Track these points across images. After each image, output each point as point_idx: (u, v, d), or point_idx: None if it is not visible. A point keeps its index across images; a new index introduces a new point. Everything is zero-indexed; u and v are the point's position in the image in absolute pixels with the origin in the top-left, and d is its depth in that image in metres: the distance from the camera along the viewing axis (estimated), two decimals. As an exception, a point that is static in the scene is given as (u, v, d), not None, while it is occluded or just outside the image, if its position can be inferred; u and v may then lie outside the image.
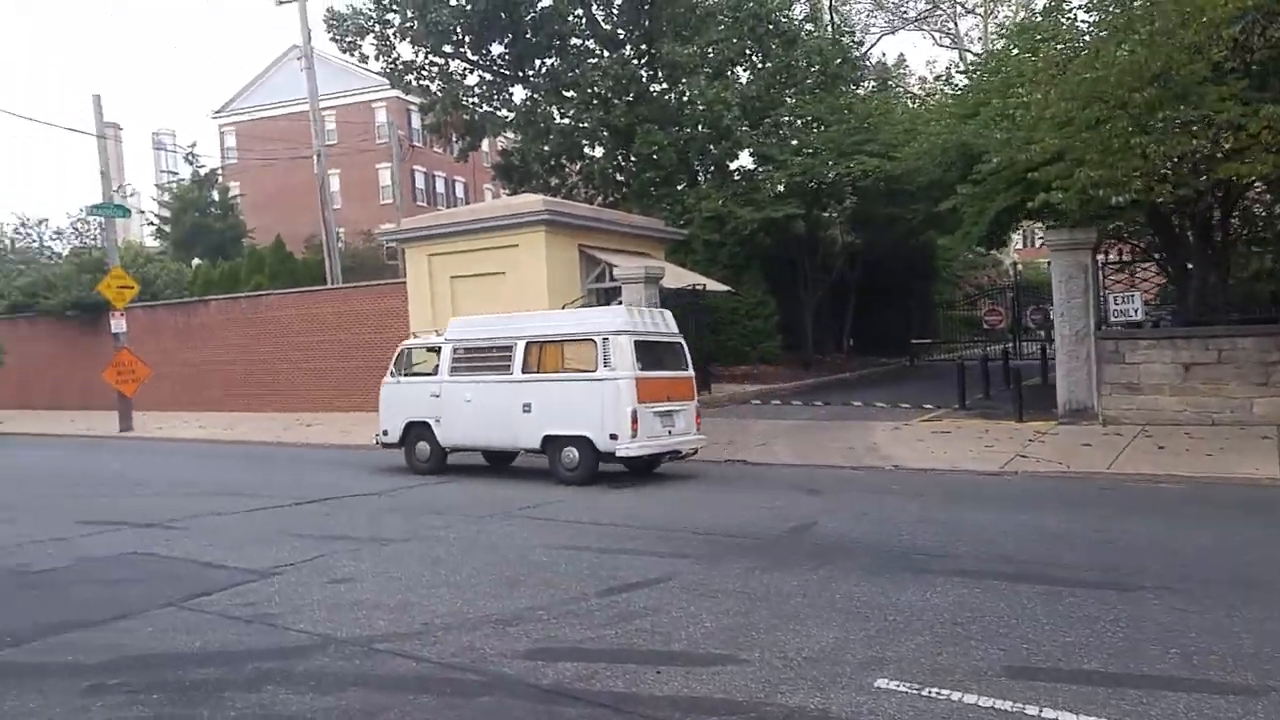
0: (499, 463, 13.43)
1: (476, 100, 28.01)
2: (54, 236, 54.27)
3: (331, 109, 53.24)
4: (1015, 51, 17.08)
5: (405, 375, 13.64)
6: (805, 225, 27.88)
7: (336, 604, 6.09)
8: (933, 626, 5.32)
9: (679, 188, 27.51)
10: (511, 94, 29.08)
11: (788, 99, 27.08)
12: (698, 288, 21.77)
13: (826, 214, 29.63)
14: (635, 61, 26.80)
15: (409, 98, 47.80)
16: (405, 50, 26.98)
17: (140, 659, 5.12)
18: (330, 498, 10.85)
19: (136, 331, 25.79)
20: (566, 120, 27.38)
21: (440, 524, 8.90)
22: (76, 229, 54.71)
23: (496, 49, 27.41)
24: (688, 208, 25.70)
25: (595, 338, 11.61)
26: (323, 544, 8.07)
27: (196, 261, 37.96)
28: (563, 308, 20.27)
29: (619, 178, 28.91)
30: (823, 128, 25.65)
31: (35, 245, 52.72)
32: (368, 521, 9.21)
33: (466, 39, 26.53)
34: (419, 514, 9.54)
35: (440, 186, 57.09)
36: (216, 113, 55.58)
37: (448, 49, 26.73)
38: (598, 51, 27.01)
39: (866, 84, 30.73)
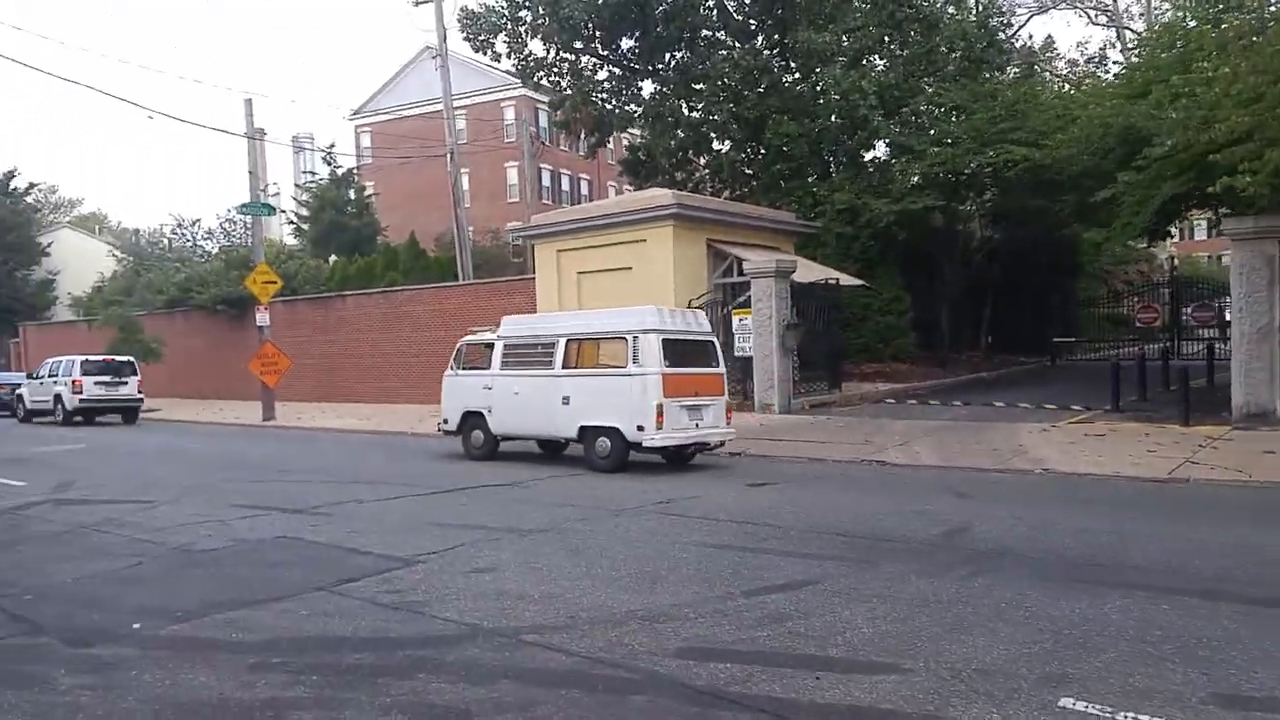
0: (552, 451, 14.21)
1: (605, 95, 28.14)
2: (205, 236, 57.51)
3: (462, 108, 54.53)
4: (1193, 24, 15.85)
5: (463, 369, 14.62)
6: (943, 218, 26.86)
7: (480, 593, 6.05)
8: (1116, 643, 4.87)
9: (809, 180, 26.94)
10: (640, 89, 29.11)
11: (926, 87, 26.13)
12: (830, 282, 21.20)
13: (964, 207, 28.48)
14: (767, 52, 26.38)
15: (537, 96, 48.67)
16: (536, 47, 27.39)
17: (297, 640, 5.18)
18: (465, 487, 10.96)
19: (278, 325, 26.95)
20: (696, 113, 27.19)
21: (576, 516, 8.83)
22: (224, 228, 57.86)
23: (626, 43, 27.49)
24: (819, 200, 25.14)
25: (626, 336, 12.42)
26: (462, 533, 8.11)
27: (333, 258, 39.47)
28: (689, 304, 20.10)
29: (747, 171, 28.55)
30: (964, 116, 24.60)
31: (189, 244, 55.98)
32: (503, 511, 9.23)
33: (597, 34, 26.69)
34: (554, 506, 9.50)
35: (565, 184, 57.81)
36: (354, 114, 57.76)
37: (578, 45, 26.95)
38: (729, 43, 26.72)
39: (1011, 69, 29.35)
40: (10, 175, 57.05)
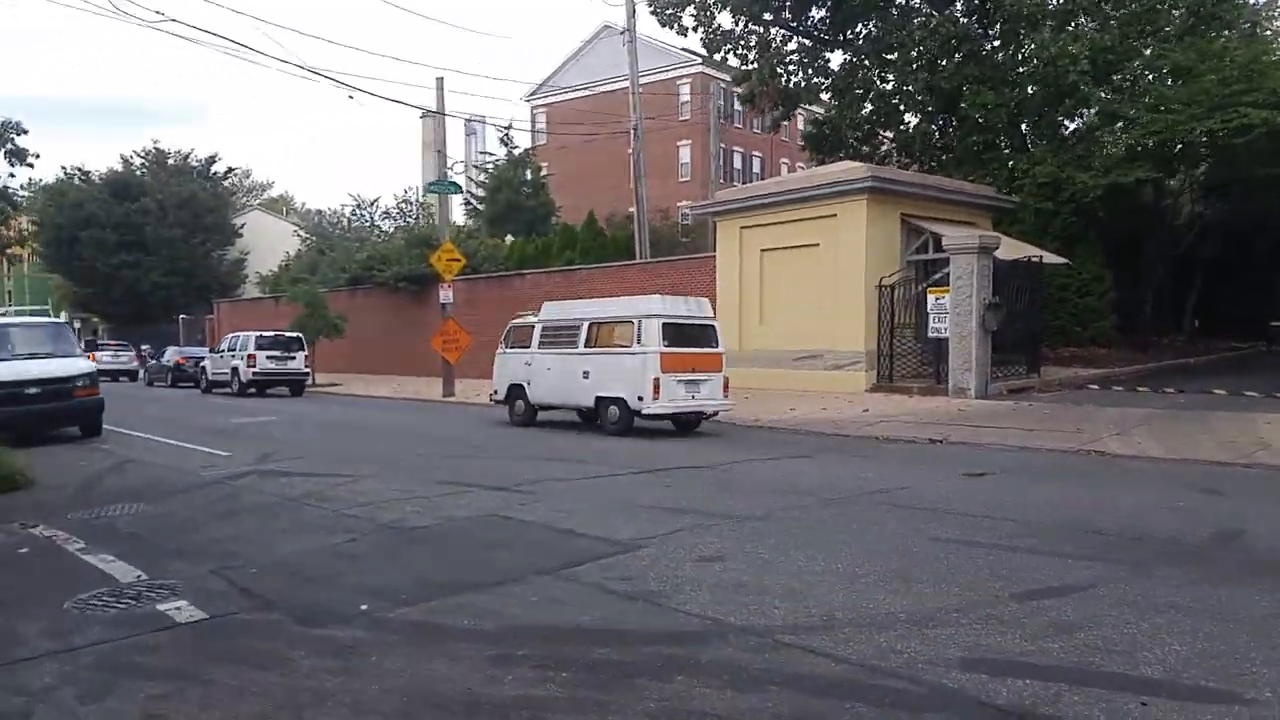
0: (589, 420, 15.61)
1: (793, 68, 27.33)
2: (383, 216, 60.03)
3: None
4: None
5: (510, 348, 16.73)
6: (1152, 192, 24.62)
7: (716, 584, 5.56)
8: None
9: (1004, 152, 25.25)
10: (828, 61, 28.09)
11: (1144, 49, 23.88)
12: (1034, 259, 19.69)
13: (1174, 181, 26.03)
14: (965, 19, 24.84)
15: (713, 73, 48.01)
16: (725, 20, 26.90)
17: (534, 629, 4.81)
18: (662, 468, 10.54)
19: (457, 302, 27.47)
20: (888, 85, 25.97)
21: (787, 504, 8.22)
22: (400, 209, 60.21)
23: (816, 14, 26.62)
24: (1017, 173, 23.47)
25: (634, 320, 14.30)
26: (674, 517, 7.66)
27: (509, 238, 40.20)
28: (879, 282, 19.11)
29: (937, 144, 27.07)
30: (1186, 79, 22.32)
31: (368, 224, 58.54)
32: (711, 495, 8.74)
33: (786, 5, 25.93)
34: (760, 492, 8.93)
35: (738, 162, 57.00)
36: (530, 95, 58.73)
37: (767, 16, 26.27)
38: (925, 10, 25.30)
39: (1242, 25, 26.52)
40: (212, 160, 61.31)
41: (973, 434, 13.52)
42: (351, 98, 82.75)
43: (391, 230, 53.86)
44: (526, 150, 49.34)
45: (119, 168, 57.66)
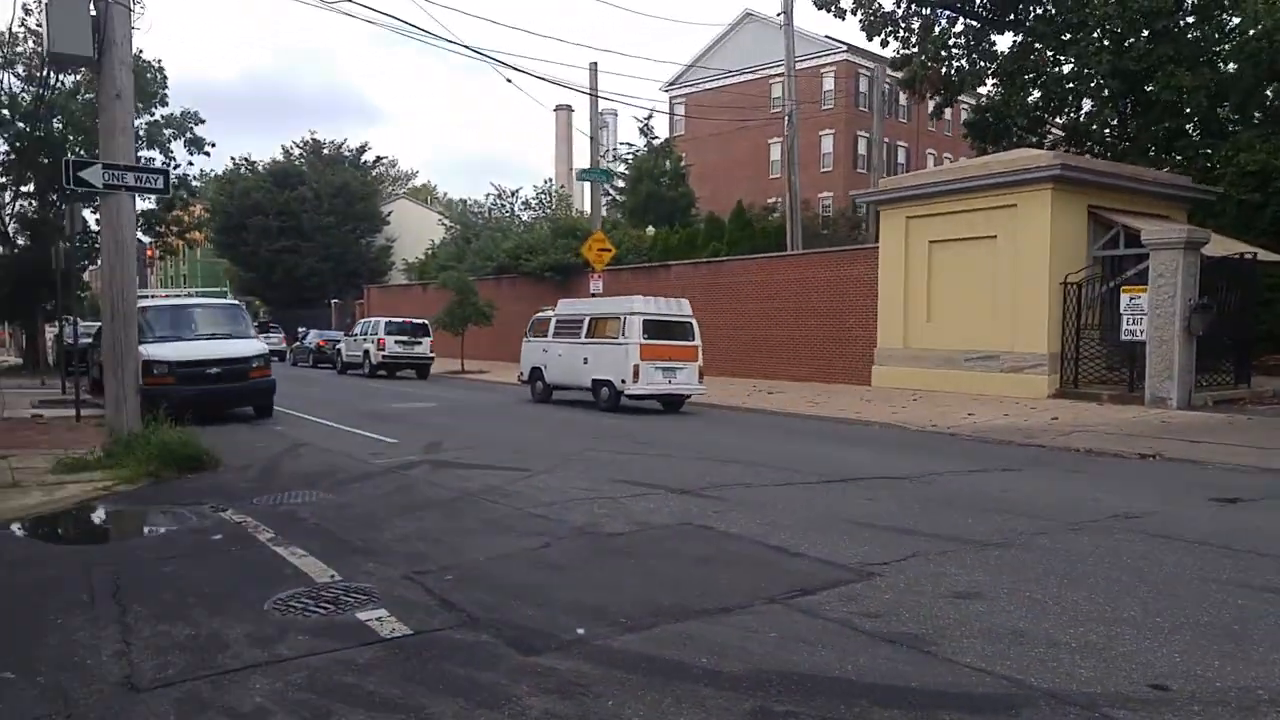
0: (613, 407, 17.33)
1: (957, 52, 25.74)
2: (523, 206, 60.73)
3: (778, 76, 53.38)
4: None
5: (533, 337, 19.80)
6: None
7: (988, 630, 4.71)
8: None
9: (1195, 139, 23.09)
10: (994, 43, 26.38)
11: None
12: (1245, 256, 17.77)
13: None
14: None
15: (862, 61, 46.33)
16: (885, 1, 25.50)
17: (789, 677, 4.09)
18: (854, 477, 9.69)
19: (604, 293, 27.17)
20: (1066, 67, 24.12)
21: (1026, 527, 7.25)
22: (540, 200, 60.75)
23: (985, -8, 24.95)
24: (1215, 162, 21.36)
25: (621, 316, 17.11)
26: (898, 537, 6.82)
27: (650, 229, 39.77)
28: (1065, 279, 17.64)
29: (1111, 132, 25.04)
30: None
31: (508, 214, 59.32)
32: (925, 511, 7.85)
33: (953, -17, 24.39)
34: (983, 509, 7.98)
35: (883, 152, 54.90)
36: (668, 85, 58.22)
37: (932, -4, 24.80)
38: (1105, -14, 23.37)
39: None
40: (362, 149, 63.37)
41: (1188, 449, 12.12)
42: (510, 81, 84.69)
43: (531, 221, 54.39)
44: (667, 140, 48.79)
45: (280, 158, 60.31)
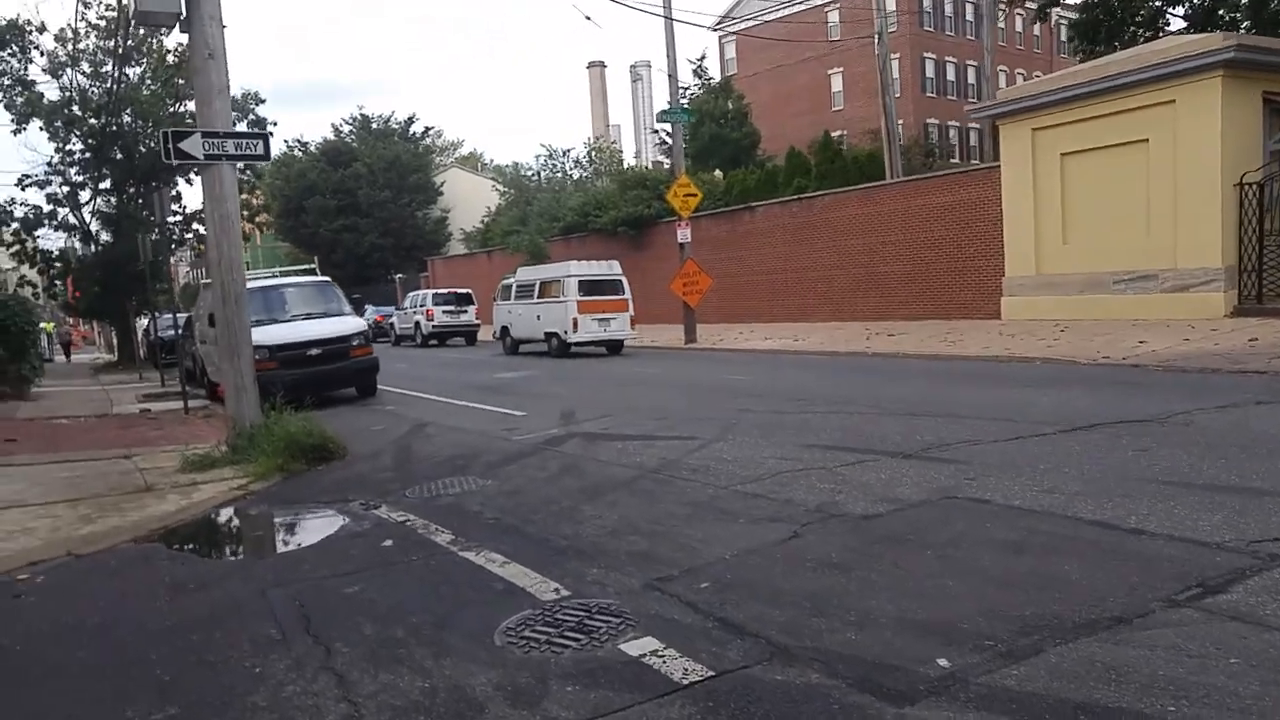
0: (562, 354, 20.95)
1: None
2: (574, 165, 59.31)
3: (834, 3, 50.89)
4: None
5: (500, 300, 23.76)
6: None
7: None
8: None
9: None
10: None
11: None
12: None
13: None
14: None
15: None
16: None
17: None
18: (1087, 425, 8.19)
19: (676, 244, 25.72)
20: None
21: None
22: (590, 157, 59.25)
23: None
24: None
25: (562, 278, 20.93)
26: (1241, 500, 5.40)
27: (717, 172, 38.07)
28: (1239, 182, 15.75)
29: (1237, 15, 22.69)
30: None
31: (559, 174, 57.95)
32: (1238, 462, 6.38)
33: None
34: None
35: (950, 74, 52.31)
36: (717, 23, 55.94)
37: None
38: None
39: None
40: (410, 120, 62.27)
41: None
42: (589, 18, 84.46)
43: (582, 178, 53.00)
44: (727, 78, 46.76)
45: (331, 136, 59.50)
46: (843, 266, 24.14)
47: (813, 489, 6.39)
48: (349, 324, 14.21)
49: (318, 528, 6.64)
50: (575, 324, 20.23)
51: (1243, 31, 22.75)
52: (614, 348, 21.39)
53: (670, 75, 21.52)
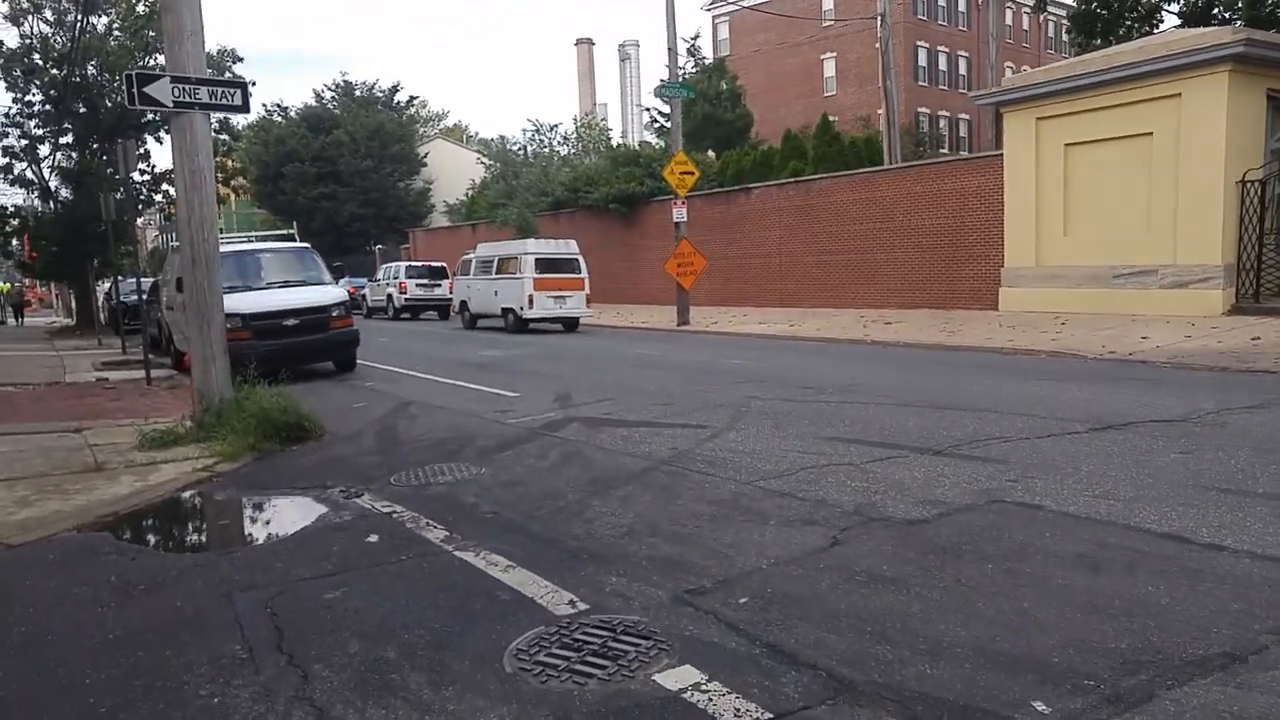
0: (519, 330, 21.30)
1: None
2: (561, 141, 58.23)
3: (829, -14, 50.20)
4: None
5: (460, 275, 24.11)
6: None
7: None
8: None
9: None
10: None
11: None
12: None
13: None
14: None
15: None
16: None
17: None
18: (1118, 423, 7.71)
19: (670, 222, 25.09)
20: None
21: None
22: (579, 133, 58.21)
23: None
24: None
25: (519, 256, 21.34)
26: (1308, 511, 4.95)
27: (710, 153, 37.37)
28: (1241, 179, 15.39)
29: (1230, 14, 22.32)
30: None
31: (546, 150, 56.85)
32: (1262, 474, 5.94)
33: None
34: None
35: (942, 63, 51.82)
36: (710, 3, 55.10)
37: None
38: None
39: None
40: (395, 89, 60.89)
41: None
42: None
43: (570, 155, 52.04)
44: (721, 58, 46.00)
45: (312, 102, 58.03)
46: (837, 252, 23.61)
47: (844, 488, 5.84)
48: (329, 293, 13.49)
49: (293, 518, 6.02)
50: (531, 300, 20.61)
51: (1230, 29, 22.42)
52: (570, 325, 21.82)
53: (670, 48, 20.81)
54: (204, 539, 6.02)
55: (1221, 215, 15.49)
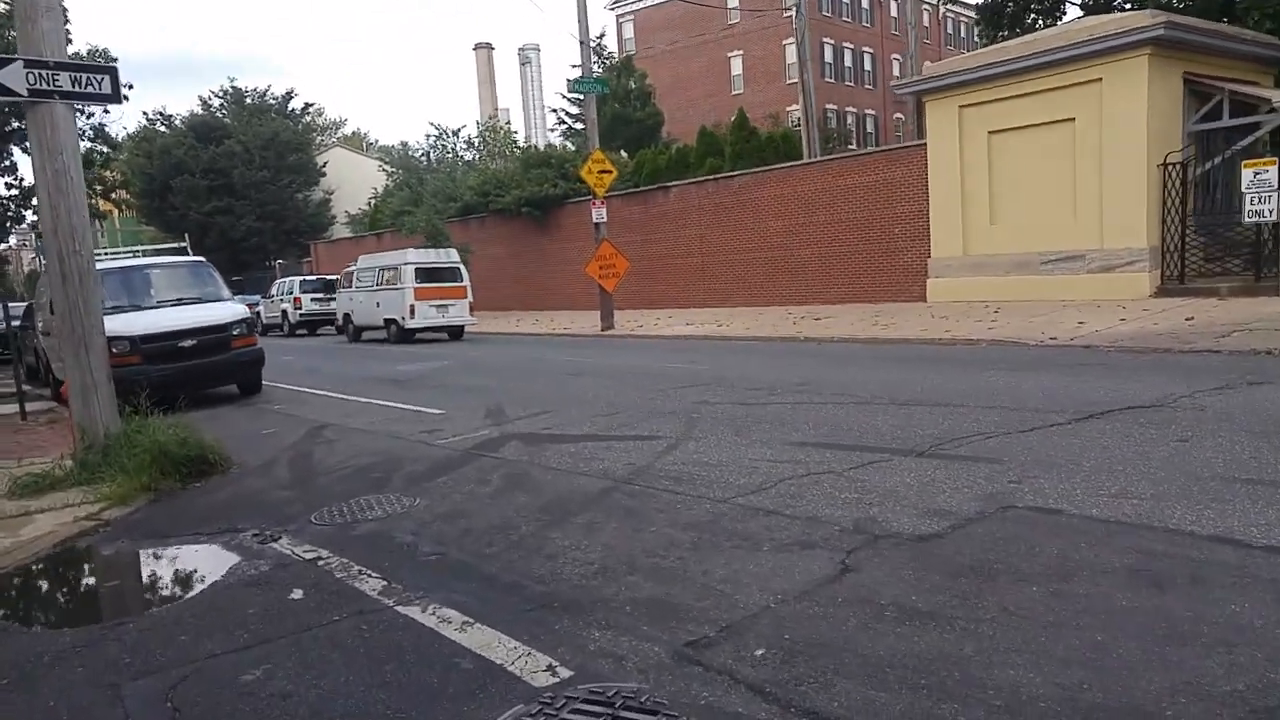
0: (402, 340, 21.32)
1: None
2: (465, 146, 56.95)
3: (733, -15, 50.13)
4: None
5: (344, 287, 24.07)
6: None
7: None
8: None
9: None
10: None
11: None
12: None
13: None
14: None
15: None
16: None
17: None
18: (1096, 412, 7.27)
19: (587, 224, 24.39)
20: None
21: None
22: (484, 137, 57.01)
23: None
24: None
25: (399, 266, 21.30)
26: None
27: (622, 153, 36.75)
28: (1162, 162, 15.46)
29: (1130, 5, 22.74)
30: None
31: (450, 155, 55.50)
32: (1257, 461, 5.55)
33: None
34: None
35: (847, 59, 52.31)
36: (613, 3, 54.60)
37: None
38: None
39: None
40: (289, 95, 58.69)
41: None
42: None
43: (472, 160, 50.90)
44: (629, 56, 45.44)
45: (199, 110, 55.37)
46: (759, 248, 23.22)
47: (834, 500, 5.21)
48: (228, 310, 12.33)
49: (199, 572, 5.10)
50: (413, 310, 20.68)
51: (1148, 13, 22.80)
52: (455, 333, 21.92)
53: (582, 41, 20.07)
54: (88, 608, 5.03)
55: (1145, 199, 15.56)
